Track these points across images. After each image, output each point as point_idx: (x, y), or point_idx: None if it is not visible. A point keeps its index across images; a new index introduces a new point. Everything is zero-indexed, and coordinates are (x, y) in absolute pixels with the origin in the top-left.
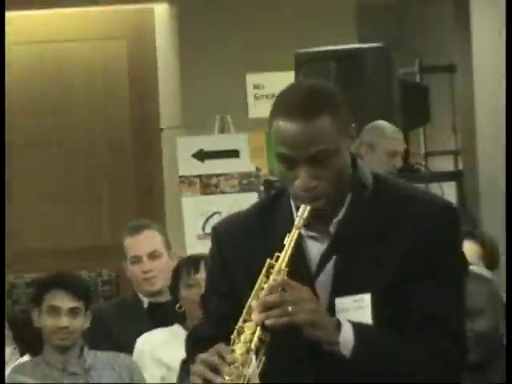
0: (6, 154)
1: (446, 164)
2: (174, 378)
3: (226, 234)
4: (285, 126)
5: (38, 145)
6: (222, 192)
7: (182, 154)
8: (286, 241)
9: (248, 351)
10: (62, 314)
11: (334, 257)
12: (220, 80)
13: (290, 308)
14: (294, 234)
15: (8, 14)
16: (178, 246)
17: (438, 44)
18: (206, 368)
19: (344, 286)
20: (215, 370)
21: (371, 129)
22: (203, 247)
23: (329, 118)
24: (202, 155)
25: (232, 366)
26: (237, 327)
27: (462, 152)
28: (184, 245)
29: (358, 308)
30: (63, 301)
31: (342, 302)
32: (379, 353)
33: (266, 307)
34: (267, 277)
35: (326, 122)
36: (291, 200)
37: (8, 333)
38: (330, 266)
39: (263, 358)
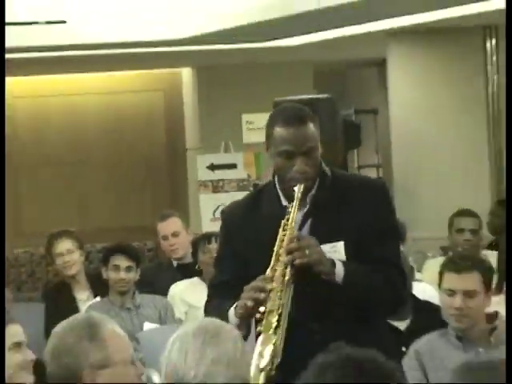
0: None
1: (371, 173)
2: (193, 312)
3: (229, 214)
4: (286, 130)
5: (111, 162)
6: (226, 191)
7: (200, 166)
8: (290, 208)
9: (282, 283)
10: (121, 270)
11: (310, 219)
12: (225, 118)
13: (306, 251)
14: (296, 203)
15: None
16: (197, 226)
17: (367, 95)
18: (249, 299)
19: (317, 237)
20: (256, 300)
21: None
22: (214, 227)
23: (312, 125)
24: (212, 167)
25: (271, 295)
26: (270, 267)
27: (382, 166)
28: (201, 225)
29: (334, 252)
30: (122, 261)
31: (322, 248)
32: (359, 280)
33: (291, 251)
34: (284, 230)
35: (311, 127)
36: (277, 187)
37: (86, 283)
38: (307, 225)
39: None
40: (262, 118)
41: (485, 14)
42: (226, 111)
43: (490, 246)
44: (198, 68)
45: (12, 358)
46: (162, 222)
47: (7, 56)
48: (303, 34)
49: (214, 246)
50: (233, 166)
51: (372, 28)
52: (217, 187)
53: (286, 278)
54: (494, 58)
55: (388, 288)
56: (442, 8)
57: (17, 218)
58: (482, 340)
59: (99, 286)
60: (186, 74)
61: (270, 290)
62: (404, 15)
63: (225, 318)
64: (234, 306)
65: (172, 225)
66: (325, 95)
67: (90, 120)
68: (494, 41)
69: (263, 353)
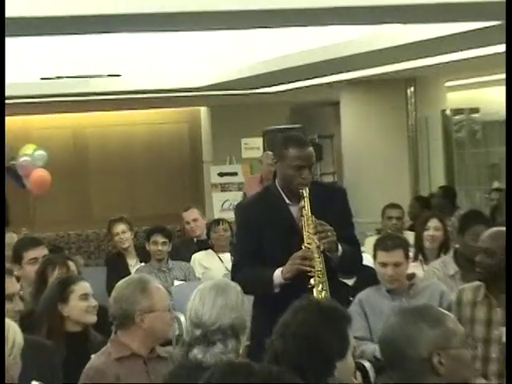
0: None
1: (329, 178)
2: (208, 272)
3: (244, 207)
4: (298, 151)
5: (152, 171)
6: (229, 191)
7: (212, 173)
8: (303, 204)
9: (318, 253)
10: (159, 245)
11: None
12: (229, 141)
13: (329, 233)
14: (306, 200)
15: (128, 111)
16: (210, 214)
17: (326, 125)
18: (300, 265)
19: None
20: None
21: None
22: (222, 215)
23: (311, 147)
24: (221, 174)
25: (311, 261)
26: (305, 242)
27: (336, 172)
28: (213, 214)
29: None
30: (159, 238)
31: None
32: (347, 255)
33: (321, 233)
34: (302, 217)
35: (311, 149)
36: (279, 189)
37: (134, 253)
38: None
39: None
40: (255, 141)
41: (406, 70)
42: (230, 136)
43: (409, 229)
44: (212, 107)
45: (81, 305)
46: (185, 211)
47: (85, 98)
48: (283, 83)
49: (221, 227)
50: (234, 174)
51: (329, 80)
52: (223, 188)
53: (320, 249)
54: (413, 100)
55: (358, 258)
56: (376, 66)
57: (88, 209)
58: (404, 292)
59: (143, 256)
60: (204, 111)
61: (312, 259)
62: (350, 71)
63: (260, 278)
64: (280, 269)
65: (192, 213)
66: (297, 125)
67: (138, 142)
68: (412, 88)
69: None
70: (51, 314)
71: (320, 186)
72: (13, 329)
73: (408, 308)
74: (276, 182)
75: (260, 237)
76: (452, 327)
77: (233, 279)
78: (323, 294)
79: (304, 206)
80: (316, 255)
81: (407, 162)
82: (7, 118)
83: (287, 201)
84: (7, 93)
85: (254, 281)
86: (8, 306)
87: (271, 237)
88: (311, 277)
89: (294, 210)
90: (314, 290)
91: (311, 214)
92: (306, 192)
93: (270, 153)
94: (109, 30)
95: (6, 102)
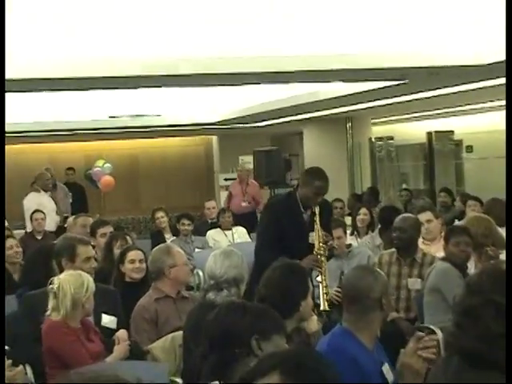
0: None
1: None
2: (217, 243)
3: (273, 205)
4: (321, 182)
5: (180, 178)
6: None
7: (220, 179)
8: (315, 219)
9: (324, 256)
10: (185, 225)
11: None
12: (231, 157)
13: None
14: (317, 216)
15: (163, 139)
16: (219, 206)
17: (294, 147)
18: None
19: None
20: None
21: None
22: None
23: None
24: (226, 179)
25: (321, 263)
26: (316, 248)
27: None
28: (221, 205)
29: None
30: (185, 221)
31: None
32: None
33: (326, 242)
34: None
35: (327, 181)
36: (299, 200)
37: (169, 231)
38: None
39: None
40: (248, 158)
41: (345, 112)
42: (231, 154)
43: (348, 214)
44: (219, 135)
45: (131, 266)
46: (208, 202)
47: (137, 130)
48: (266, 120)
49: (226, 214)
50: (234, 179)
51: (296, 118)
52: (227, 188)
53: (326, 254)
54: (350, 131)
55: None
56: (326, 109)
57: (138, 202)
58: (344, 256)
59: (175, 232)
60: (214, 138)
61: (321, 262)
62: (310, 113)
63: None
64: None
65: (212, 203)
66: (275, 147)
67: (171, 158)
68: (350, 124)
69: (323, 292)
70: (116, 270)
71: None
72: (87, 279)
73: (362, 265)
74: (297, 193)
75: (280, 230)
76: (386, 279)
77: (257, 255)
78: (327, 288)
79: (315, 221)
80: (323, 259)
81: (347, 172)
82: (87, 144)
83: (302, 209)
84: (89, 126)
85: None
86: (86, 264)
87: (288, 232)
88: (319, 274)
89: (305, 216)
90: (320, 285)
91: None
92: (317, 210)
93: (245, 165)
94: (134, 87)
95: (87, 132)
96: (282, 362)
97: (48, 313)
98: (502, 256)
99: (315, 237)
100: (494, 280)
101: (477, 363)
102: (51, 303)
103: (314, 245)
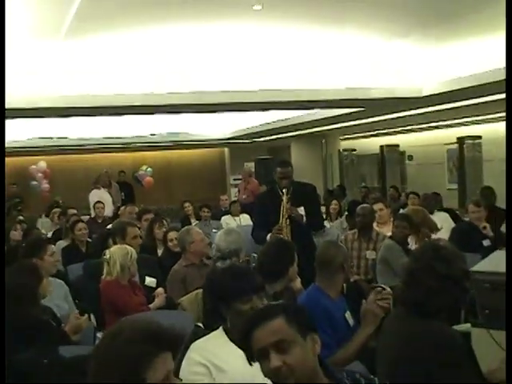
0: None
1: None
2: (227, 225)
3: (260, 196)
4: (281, 168)
5: (200, 178)
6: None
7: (231, 179)
8: (283, 196)
9: (286, 225)
10: (205, 212)
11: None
12: (238, 163)
13: (294, 211)
14: (285, 196)
15: (188, 150)
16: (230, 199)
17: (285, 156)
18: (278, 231)
19: (295, 204)
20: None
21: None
22: (235, 199)
23: (290, 167)
24: (235, 179)
25: (282, 229)
26: (281, 219)
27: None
28: (231, 198)
29: (300, 210)
30: (205, 209)
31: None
32: (310, 220)
33: (289, 212)
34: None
35: (290, 168)
36: (278, 189)
37: (194, 217)
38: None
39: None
40: (250, 164)
41: (321, 131)
42: (239, 161)
43: (323, 205)
44: (230, 148)
45: (171, 243)
46: (222, 195)
47: (170, 144)
48: (264, 136)
49: (236, 204)
50: (241, 179)
51: (286, 135)
52: (236, 186)
53: (287, 223)
54: (325, 146)
55: (317, 221)
56: (307, 129)
57: (171, 195)
58: (320, 234)
59: (198, 217)
60: (226, 150)
61: (282, 228)
62: (296, 131)
63: (262, 235)
64: (270, 233)
65: (225, 196)
66: (270, 156)
67: (195, 163)
68: (324, 140)
69: None
70: (163, 245)
71: (300, 185)
72: (131, 250)
73: (329, 240)
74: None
75: (264, 212)
76: (346, 250)
77: (252, 234)
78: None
79: (283, 200)
80: (284, 225)
81: (322, 174)
82: (134, 154)
83: (280, 193)
84: (135, 141)
85: (259, 237)
86: (133, 241)
87: (270, 212)
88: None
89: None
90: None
91: (287, 202)
92: (285, 191)
93: (246, 168)
94: (169, 112)
95: (135, 145)
96: (284, 309)
97: (104, 275)
98: (434, 236)
99: (280, 212)
100: (432, 251)
101: (417, 312)
102: (105, 269)
103: (291, 217)
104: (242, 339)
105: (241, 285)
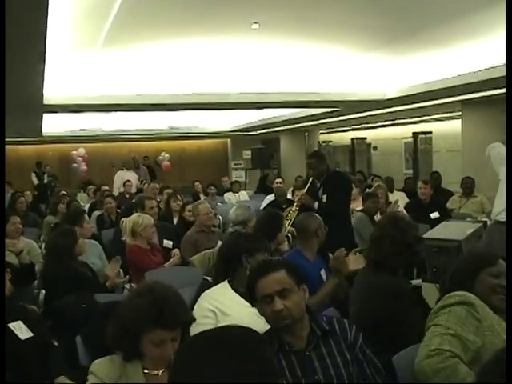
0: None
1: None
2: (229, 201)
3: None
4: (308, 159)
5: (206, 164)
6: (238, 170)
7: (232, 164)
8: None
9: (295, 209)
10: (212, 189)
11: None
12: (238, 152)
13: (303, 197)
14: (308, 185)
15: (197, 140)
16: (230, 179)
17: (275, 146)
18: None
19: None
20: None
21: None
22: (235, 180)
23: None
24: (235, 164)
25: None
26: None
27: (278, 167)
28: (232, 179)
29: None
30: (212, 187)
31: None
32: (323, 207)
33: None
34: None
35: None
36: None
37: (203, 193)
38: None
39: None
40: (247, 152)
41: (304, 126)
42: (238, 150)
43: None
44: (232, 138)
45: (188, 213)
46: (223, 177)
47: (184, 135)
48: (259, 130)
49: (237, 184)
50: (240, 164)
51: (276, 129)
52: (236, 169)
53: (297, 208)
54: (307, 138)
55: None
56: (292, 124)
57: (183, 176)
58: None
59: (206, 194)
60: (229, 140)
61: (292, 211)
62: (283, 126)
63: None
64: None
65: (226, 178)
66: (264, 146)
67: (203, 151)
68: (307, 134)
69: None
70: (179, 215)
71: (331, 175)
72: (142, 217)
73: (306, 212)
74: None
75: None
76: (320, 219)
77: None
78: (289, 226)
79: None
80: (294, 210)
81: (304, 162)
82: (156, 142)
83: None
84: (157, 132)
85: None
86: (150, 211)
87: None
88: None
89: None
90: (286, 222)
91: (302, 189)
92: (311, 180)
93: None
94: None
95: (156, 136)
96: (285, 264)
97: (123, 238)
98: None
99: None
100: (391, 221)
101: (379, 268)
102: (124, 233)
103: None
104: (248, 286)
105: (248, 245)
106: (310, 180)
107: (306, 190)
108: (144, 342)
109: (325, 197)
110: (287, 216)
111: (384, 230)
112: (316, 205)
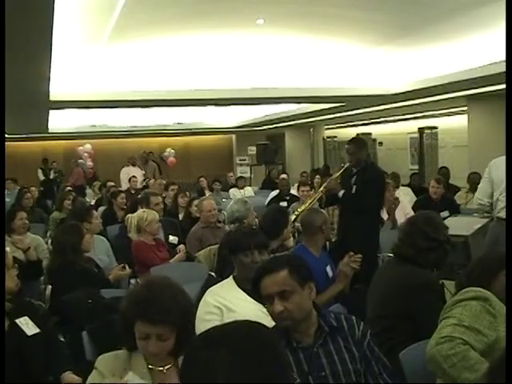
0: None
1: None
2: (234, 197)
3: None
4: (348, 145)
5: (212, 158)
6: (243, 166)
7: (237, 160)
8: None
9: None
10: (217, 185)
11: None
12: (243, 147)
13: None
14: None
15: (204, 136)
16: (235, 175)
17: (280, 142)
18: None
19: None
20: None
21: None
22: (240, 175)
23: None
24: (240, 159)
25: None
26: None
27: (282, 162)
28: (237, 175)
29: None
30: (216, 183)
31: None
32: (346, 198)
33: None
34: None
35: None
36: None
37: (207, 188)
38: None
39: None
40: (252, 148)
41: (310, 122)
42: (243, 145)
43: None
44: (236, 134)
45: (195, 208)
46: (228, 172)
47: (191, 131)
48: (263, 125)
49: (242, 179)
50: (245, 160)
51: (281, 125)
52: (241, 165)
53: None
54: (312, 134)
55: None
56: (298, 120)
57: (189, 172)
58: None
59: (211, 190)
60: (234, 136)
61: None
62: (289, 121)
63: None
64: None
65: (231, 173)
66: (269, 142)
67: (209, 146)
68: (312, 129)
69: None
70: (186, 211)
71: (367, 168)
72: (147, 213)
73: (312, 208)
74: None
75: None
76: (326, 215)
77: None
78: (299, 212)
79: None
80: (316, 193)
81: (309, 157)
82: (161, 138)
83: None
84: (163, 128)
85: None
86: (156, 207)
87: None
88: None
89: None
90: (292, 217)
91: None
92: (344, 165)
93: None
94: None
95: (162, 132)
96: (288, 262)
97: (129, 234)
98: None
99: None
100: (425, 218)
101: (407, 261)
102: (128, 229)
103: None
104: (253, 285)
105: (244, 241)
106: (346, 166)
107: (338, 174)
108: (136, 334)
109: (354, 188)
110: (295, 211)
111: (418, 227)
112: (341, 193)
